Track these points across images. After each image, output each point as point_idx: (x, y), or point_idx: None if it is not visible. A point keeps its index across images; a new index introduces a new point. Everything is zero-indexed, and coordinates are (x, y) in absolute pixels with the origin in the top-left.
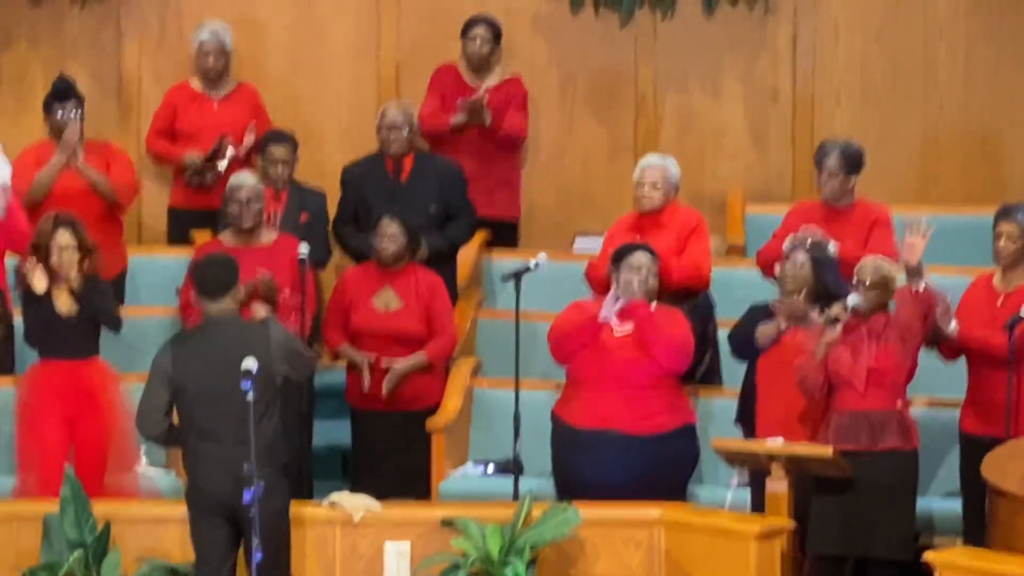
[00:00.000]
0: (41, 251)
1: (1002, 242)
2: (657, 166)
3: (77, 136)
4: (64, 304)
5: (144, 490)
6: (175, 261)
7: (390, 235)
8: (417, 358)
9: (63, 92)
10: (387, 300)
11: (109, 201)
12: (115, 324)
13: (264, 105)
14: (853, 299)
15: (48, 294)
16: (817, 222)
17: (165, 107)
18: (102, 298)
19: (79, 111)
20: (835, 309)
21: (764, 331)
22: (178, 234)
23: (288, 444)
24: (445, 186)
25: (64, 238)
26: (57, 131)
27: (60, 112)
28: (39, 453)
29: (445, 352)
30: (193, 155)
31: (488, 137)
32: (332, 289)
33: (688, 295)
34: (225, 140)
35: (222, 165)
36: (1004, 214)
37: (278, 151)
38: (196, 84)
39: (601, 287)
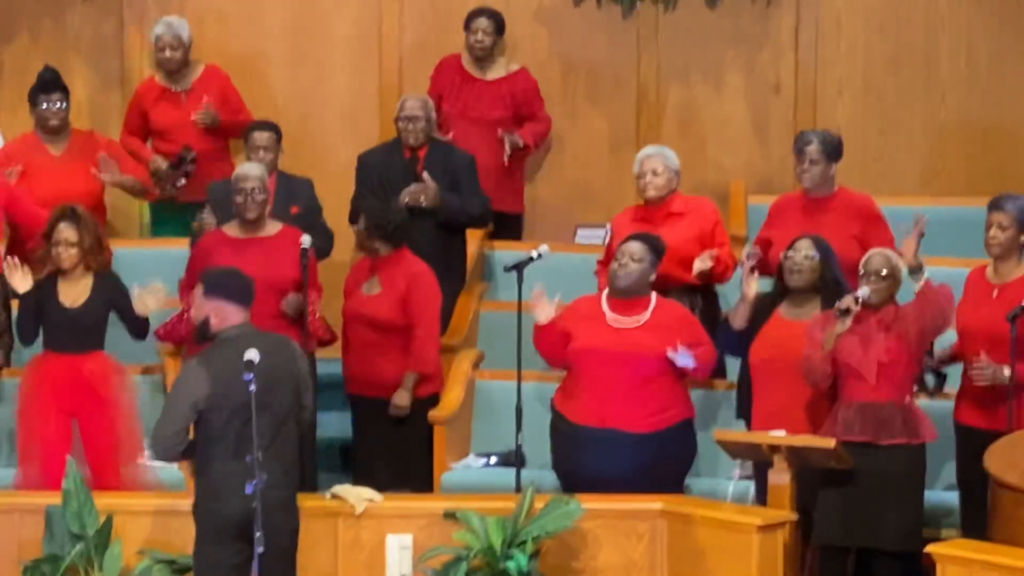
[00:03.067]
0: (47, 240)
1: (992, 231)
2: (655, 154)
3: (116, 178)
4: (68, 297)
5: (148, 482)
6: (175, 253)
7: (357, 231)
8: (409, 381)
9: (49, 84)
10: (371, 285)
11: (141, 197)
12: (141, 331)
13: (232, 87)
14: (864, 291)
15: (54, 285)
16: (799, 213)
17: (133, 106)
18: (124, 300)
19: (64, 103)
20: (846, 301)
21: (731, 311)
22: (158, 226)
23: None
24: (458, 176)
25: (65, 232)
26: (42, 123)
27: (45, 104)
28: (40, 445)
29: (429, 358)
30: (158, 161)
31: (488, 126)
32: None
33: (701, 285)
34: (189, 152)
35: (181, 182)
36: (994, 205)
37: (260, 138)
38: (160, 79)
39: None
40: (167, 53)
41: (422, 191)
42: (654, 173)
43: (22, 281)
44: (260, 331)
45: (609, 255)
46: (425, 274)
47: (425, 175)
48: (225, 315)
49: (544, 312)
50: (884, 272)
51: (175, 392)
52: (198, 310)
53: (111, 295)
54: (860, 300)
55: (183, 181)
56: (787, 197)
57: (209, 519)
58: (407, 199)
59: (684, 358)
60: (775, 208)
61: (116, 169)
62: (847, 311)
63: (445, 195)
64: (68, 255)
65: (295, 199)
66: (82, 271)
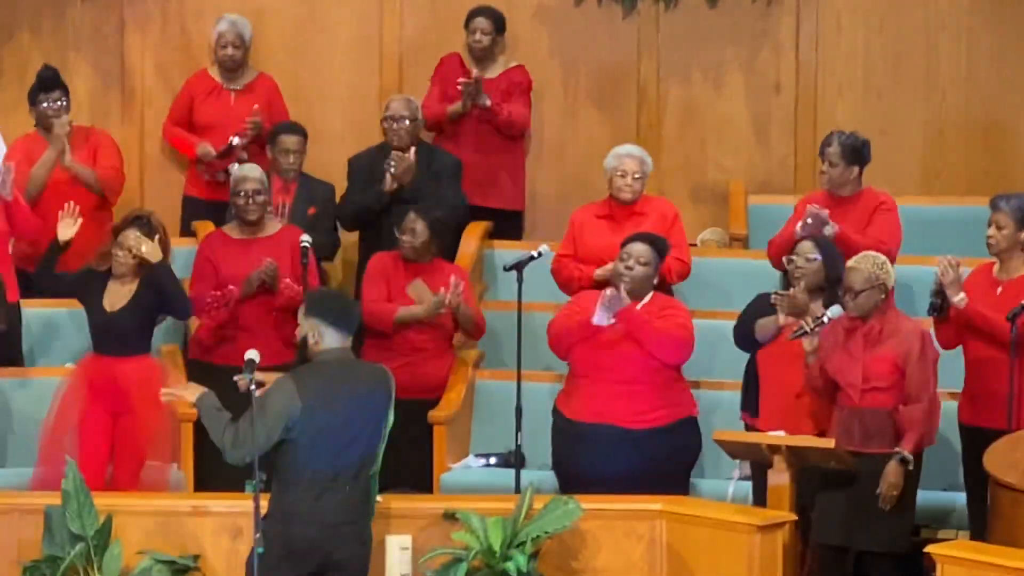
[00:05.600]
0: (112, 238)
1: (990, 231)
2: (636, 155)
3: (67, 131)
4: (110, 300)
5: (169, 485)
6: (179, 252)
7: (412, 231)
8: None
9: (48, 82)
10: (420, 292)
11: (97, 194)
12: (184, 312)
13: (281, 98)
14: (834, 310)
15: (104, 286)
16: None
17: (183, 96)
18: (164, 295)
19: (64, 101)
20: (805, 323)
21: (764, 324)
22: (190, 222)
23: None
24: (441, 176)
25: (130, 239)
26: (43, 122)
27: (45, 103)
28: (80, 445)
29: (480, 320)
30: (207, 147)
31: (490, 124)
32: (341, 278)
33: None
34: (236, 140)
35: (232, 168)
36: (992, 205)
37: (288, 141)
38: (215, 74)
39: (565, 281)
40: (229, 51)
41: (398, 159)
42: (635, 177)
43: (65, 229)
44: (358, 360)
45: (569, 248)
46: (466, 276)
47: (412, 151)
48: (322, 337)
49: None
50: (857, 289)
51: (267, 403)
52: (300, 328)
53: (153, 298)
54: (825, 322)
55: (234, 167)
56: (813, 196)
57: (276, 541)
58: (389, 165)
59: (602, 313)
60: (801, 205)
61: (65, 149)
62: (803, 333)
63: (420, 180)
64: (126, 261)
65: (314, 202)
66: (132, 276)
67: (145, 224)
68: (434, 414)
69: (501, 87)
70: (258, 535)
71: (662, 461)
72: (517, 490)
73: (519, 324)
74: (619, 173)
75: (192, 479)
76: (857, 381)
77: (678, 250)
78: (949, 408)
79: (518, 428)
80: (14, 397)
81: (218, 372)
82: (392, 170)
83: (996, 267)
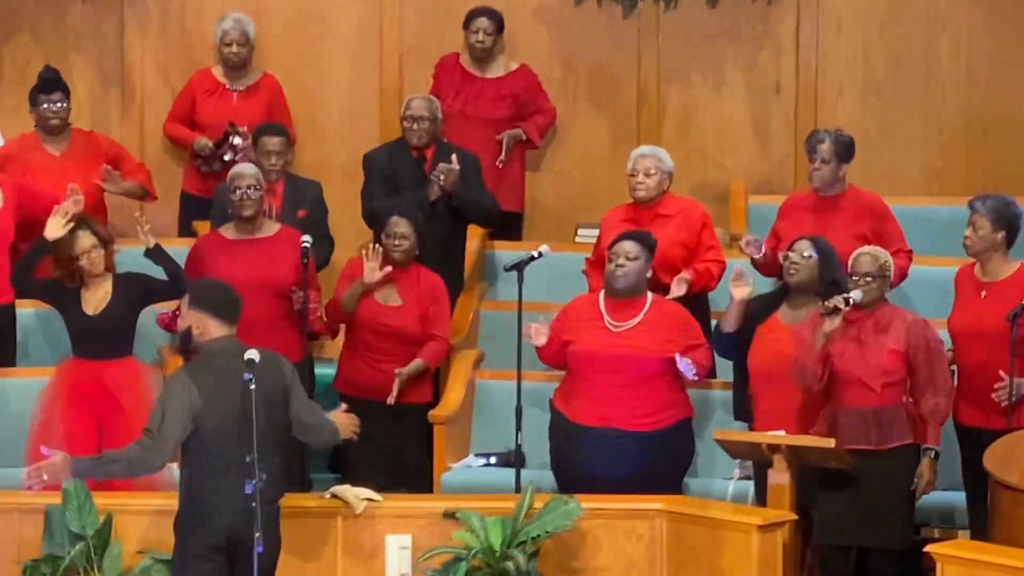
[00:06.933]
0: (64, 259)
1: (967, 232)
2: (649, 155)
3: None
4: (90, 304)
5: (164, 485)
6: (173, 252)
7: (401, 234)
8: (416, 365)
9: (49, 84)
10: (387, 295)
11: (143, 200)
12: (180, 291)
13: (284, 99)
14: (855, 294)
15: (78, 296)
16: (808, 211)
17: (185, 94)
18: (150, 286)
19: (65, 103)
20: (835, 299)
21: (724, 320)
22: (189, 220)
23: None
24: (464, 175)
25: (86, 240)
26: (42, 123)
27: (46, 104)
28: (66, 448)
29: (440, 357)
30: (203, 140)
31: (490, 124)
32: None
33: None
34: (232, 129)
35: (228, 156)
36: (970, 206)
37: (270, 142)
38: (218, 73)
39: (598, 282)
40: (234, 48)
41: (446, 171)
42: (646, 174)
43: (56, 227)
44: (245, 345)
45: (598, 253)
46: (442, 285)
47: (454, 158)
48: (206, 328)
49: (541, 337)
50: (872, 273)
51: (167, 400)
52: (183, 320)
53: (134, 293)
54: (850, 302)
55: (229, 156)
56: (797, 196)
57: (196, 535)
58: (438, 176)
59: (686, 368)
60: (785, 207)
61: (118, 179)
62: (834, 310)
63: (467, 189)
64: (98, 258)
65: (302, 202)
66: (103, 276)
67: (89, 226)
68: (434, 414)
69: (504, 90)
70: (258, 535)
71: (660, 463)
72: (517, 490)
73: (519, 324)
74: (635, 173)
75: None
76: (876, 373)
77: (714, 252)
78: None
79: (518, 428)
80: (7, 397)
81: None
82: (442, 182)
83: (977, 268)
